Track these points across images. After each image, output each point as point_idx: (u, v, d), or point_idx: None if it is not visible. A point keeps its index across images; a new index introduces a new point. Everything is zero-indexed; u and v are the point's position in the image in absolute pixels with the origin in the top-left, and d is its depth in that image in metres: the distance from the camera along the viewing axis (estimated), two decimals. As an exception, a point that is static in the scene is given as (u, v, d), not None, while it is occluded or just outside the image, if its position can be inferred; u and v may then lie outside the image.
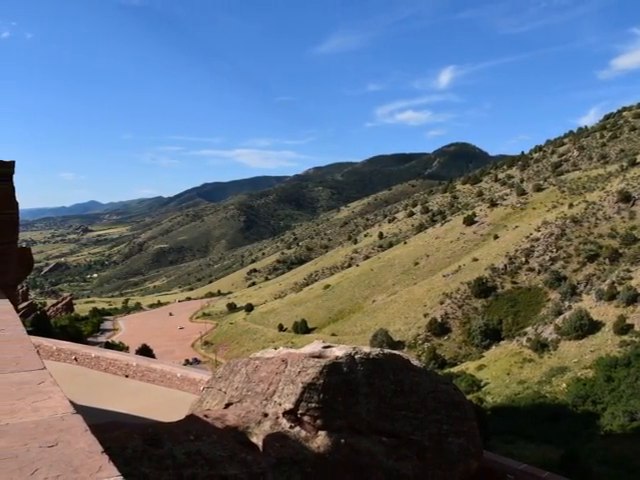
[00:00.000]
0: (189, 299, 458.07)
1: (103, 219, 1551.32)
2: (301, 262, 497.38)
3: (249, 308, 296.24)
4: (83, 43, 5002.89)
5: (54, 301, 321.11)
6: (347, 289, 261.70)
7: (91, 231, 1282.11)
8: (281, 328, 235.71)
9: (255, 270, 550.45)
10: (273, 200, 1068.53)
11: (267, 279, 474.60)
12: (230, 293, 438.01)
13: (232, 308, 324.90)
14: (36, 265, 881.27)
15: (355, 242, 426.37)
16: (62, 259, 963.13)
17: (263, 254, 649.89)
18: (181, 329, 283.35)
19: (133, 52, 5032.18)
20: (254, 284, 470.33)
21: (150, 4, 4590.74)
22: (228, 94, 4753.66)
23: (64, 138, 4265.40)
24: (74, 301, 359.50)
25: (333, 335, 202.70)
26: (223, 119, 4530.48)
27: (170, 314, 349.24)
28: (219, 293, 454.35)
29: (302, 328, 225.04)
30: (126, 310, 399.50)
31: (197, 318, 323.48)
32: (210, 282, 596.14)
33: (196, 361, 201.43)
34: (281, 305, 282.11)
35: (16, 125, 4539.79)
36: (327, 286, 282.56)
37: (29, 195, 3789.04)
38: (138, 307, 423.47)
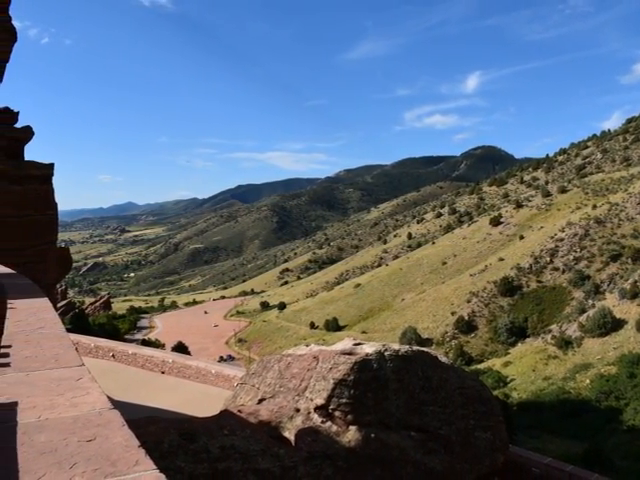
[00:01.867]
0: (223, 297, 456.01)
1: (140, 220, 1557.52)
2: (332, 262, 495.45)
3: (282, 306, 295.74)
4: (120, 49, 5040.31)
5: (92, 300, 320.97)
6: (377, 288, 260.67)
7: (128, 231, 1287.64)
8: (313, 326, 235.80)
9: (287, 269, 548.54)
10: (305, 202, 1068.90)
11: (299, 278, 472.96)
12: (263, 292, 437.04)
13: (265, 306, 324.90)
14: (75, 265, 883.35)
15: (385, 242, 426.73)
16: (100, 259, 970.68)
17: (295, 254, 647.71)
18: (215, 327, 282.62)
19: (168, 58, 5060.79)
20: (286, 283, 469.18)
21: (185, 12, 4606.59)
22: (261, 98, 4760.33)
23: (102, 141, 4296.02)
24: (111, 300, 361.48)
25: (363, 333, 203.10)
26: (256, 122, 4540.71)
27: (205, 312, 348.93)
28: (252, 292, 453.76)
29: (333, 326, 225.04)
30: (162, 308, 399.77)
31: (231, 316, 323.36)
32: (244, 281, 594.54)
33: (230, 358, 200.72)
34: (313, 304, 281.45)
35: (55, 129, 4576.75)
36: (357, 285, 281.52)
37: (68, 197, 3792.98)
38: (174, 305, 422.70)
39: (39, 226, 63.98)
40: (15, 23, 54.15)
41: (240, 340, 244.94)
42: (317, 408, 25.83)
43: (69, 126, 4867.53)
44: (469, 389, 30.17)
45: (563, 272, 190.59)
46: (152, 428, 21.20)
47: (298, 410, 26.25)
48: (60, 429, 5.45)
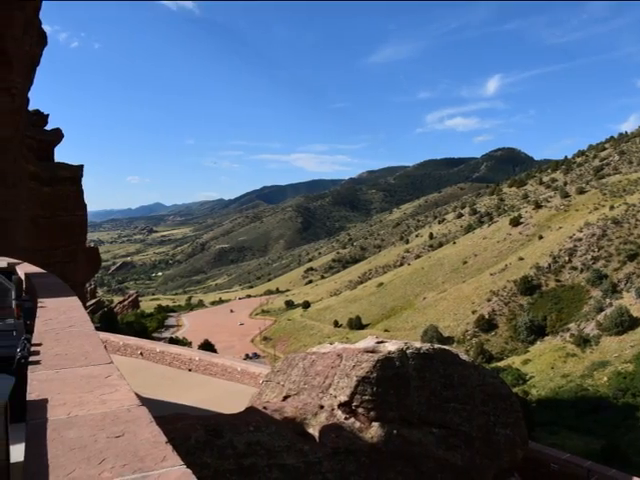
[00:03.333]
0: (249, 296, 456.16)
1: (167, 220, 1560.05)
2: (355, 261, 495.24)
3: (306, 305, 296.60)
4: (148, 53, 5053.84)
5: (121, 298, 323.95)
6: (399, 287, 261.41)
7: (156, 232, 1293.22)
8: (336, 324, 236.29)
9: (312, 269, 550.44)
10: (329, 202, 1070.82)
11: (323, 277, 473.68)
12: (288, 291, 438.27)
13: (290, 305, 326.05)
14: (103, 264, 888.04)
15: (407, 242, 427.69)
16: (128, 258, 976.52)
17: (319, 254, 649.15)
18: (241, 325, 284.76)
19: (195, 62, 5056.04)
20: (311, 282, 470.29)
21: (211, 17, 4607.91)
22: (286, 101, 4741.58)
23: (130, 143, 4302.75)
24: (140, 298, 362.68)
25: (386, 331, 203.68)
26: (282, 125, 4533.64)
27: (231, 311, 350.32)
28: (277, 291, 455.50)
29: (356, 324, 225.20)
30: (189, 307, 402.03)
31: (256, 315, 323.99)
32: (269, 280, 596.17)
33: (255, 356, 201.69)
34: (336, 302, 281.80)
35: (85, 131, 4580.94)
36: (380, 284, 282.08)
37: (97, 197, 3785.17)
38: (200, 304, 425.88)
39: (69, 226, 64.60)
40: (45, 27, 54.67)
41: (265, 338, 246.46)
42: (341, 405, 25.87)
43: (98, 128, 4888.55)
44: (489, 386, 30.14)
45: (581, 271, 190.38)
46: (179, 424, 21.28)
47: (322, 407, 26.30)
48: (89, 425, 5.54)
